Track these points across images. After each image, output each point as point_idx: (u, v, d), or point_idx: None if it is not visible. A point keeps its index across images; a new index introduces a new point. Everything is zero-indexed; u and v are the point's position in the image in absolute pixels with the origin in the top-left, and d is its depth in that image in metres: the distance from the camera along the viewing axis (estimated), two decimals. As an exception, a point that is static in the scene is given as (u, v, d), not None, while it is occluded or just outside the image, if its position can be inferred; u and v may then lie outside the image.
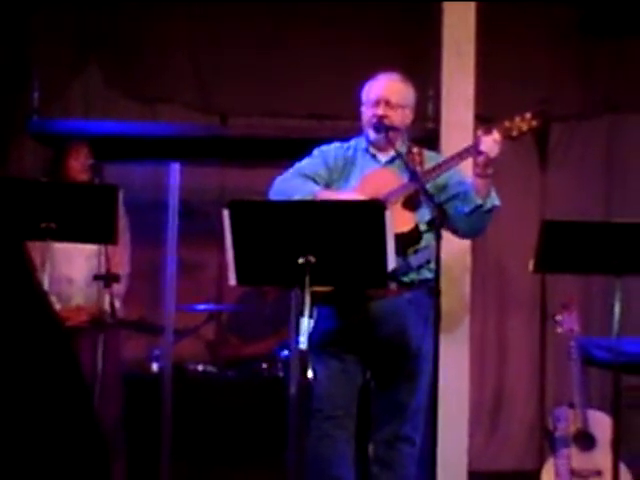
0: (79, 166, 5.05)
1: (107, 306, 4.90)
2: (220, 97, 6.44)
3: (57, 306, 4.90)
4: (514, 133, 3.99)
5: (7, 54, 6.13)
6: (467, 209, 4.04)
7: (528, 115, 3.99)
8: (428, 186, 3.96)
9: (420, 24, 6.08)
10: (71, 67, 6.39)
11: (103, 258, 4.89)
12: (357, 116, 4.32)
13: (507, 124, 3.99)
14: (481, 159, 3.95)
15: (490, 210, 4.06)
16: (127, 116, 6.28)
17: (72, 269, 4.95)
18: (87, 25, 6.35)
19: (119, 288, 5.04)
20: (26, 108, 5.98)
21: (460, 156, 4.03)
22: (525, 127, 4.00)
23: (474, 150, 3.97)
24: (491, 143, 3.91)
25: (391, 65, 4.37)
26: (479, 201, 4.00)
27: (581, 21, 6.41)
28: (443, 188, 4.11)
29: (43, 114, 6.02)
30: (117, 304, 5.04)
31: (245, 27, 6.37)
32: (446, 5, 5.63)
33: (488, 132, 3.94)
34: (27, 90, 6.02)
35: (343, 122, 5.92)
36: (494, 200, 4.07)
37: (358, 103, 4.28)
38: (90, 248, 4.92)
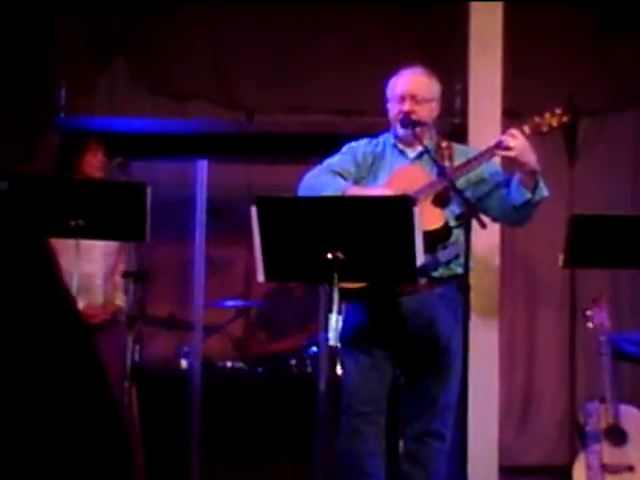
0: (97, 163, 5.03)
1: (132, 303, 4.92)
2: (246, 93, 6.44)
3: (82, 303, 4.92)
4: (544, 129, 4.00)
5: (33, 52, 6.16)
6: (516, 203, 4.03)
7: (558, 111, 3.99)
8: (463, 181, 3.97)
9: (447, 19, 6.07)
10: (96, 64, 6.41)
11: (130, 255, 4.93)
12: (383, 112, 4.31)
13: (537, 120, 3.99)
14: (504, 155, 3.95)
15: (539, 202, 4.06)
16: (153, 113, 6.29)
17: (90, 266, 4.94)
18: (112, 22, 6.36)
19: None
20: (53, 106, 6.00)
21: (487, 153, 4.02)
22: (555, 123, 4.00)
23: (496, 147, 3.97)
24: (507, 134, 3.91)
25: (418, 60, 4.35)
26: (528, 195, 4.00)
27: (606, 15, 6.37)
28: (481, 182, 4.11)
29: (70, 111, 6.03)
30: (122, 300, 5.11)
31: (270, 23, 6.36)
32: (473, 1, 5.61)
33: (517, 130, 3.95)
34: (54, 88, 6.04)
35: (369, 118, 5.91)
36: (542, 192, 4.05)
37: (384, 98, 4.27)
38: (107, 245, 4.93)
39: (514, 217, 4.15)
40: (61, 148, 5.22)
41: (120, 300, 5.03)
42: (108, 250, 4.98)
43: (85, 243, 4.73)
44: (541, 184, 4.05)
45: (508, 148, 3.93)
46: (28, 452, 1.94)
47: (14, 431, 1.93)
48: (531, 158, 3.94)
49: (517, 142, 3.91)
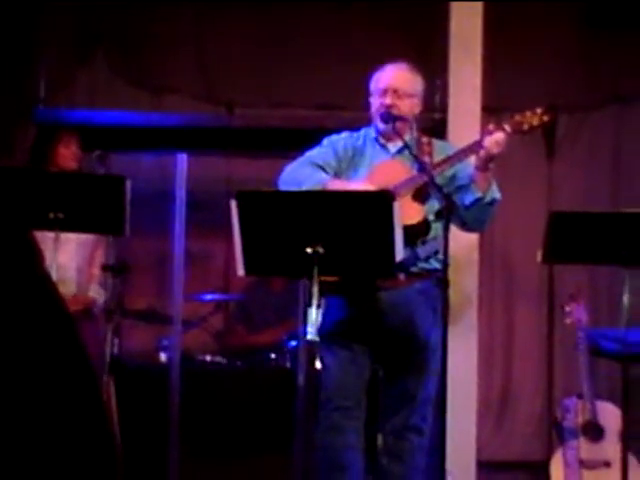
0: (70, 154, 5.02)
1: (110, 296, 4.91)
2: (226, 87, 6.44)
3: None
4: (525, 127, 3.99)
5: (13, 43, 6.12)
6: (467, 201, 4.03)
7: (539, 110, 3.99)
8: (441, 178, 3.96)
9: (428, 14, 6.08)
10: (77, 56, 6.39)
11: (109, 248, 4.93)
12: (364, 106, 4.32)
13: (518, 118, 3.98)
14: (482, 153, 3.94)
15: (490, 203, 4.04)
16: (133, 106, 6.28)
17: (63, 256, 4.91)
18: (93, 14, 6.34)
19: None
20: (32, 97, 5.98)
21: (468, 150, 4.02)
22: (536, 122, 3.99)
23: (477, 144, 3.96)
24: (494, 142, 3.90)
25: (399, 55, 4.36)
26: (479, 194, 3.99)
27: (587, 12, 6.39)
28: (451, 179, 4.10)
29: (49, 103, 6.01)
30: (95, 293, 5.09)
31: (252, 17, 6.35)
32: (454, -4, 5.63)
33: (498, 128, 3.93)
34: (33, 79, 6.02)
35: (350, 112, 5.91)
36: (494, 193, 4.05)
37: (365, 93, 4.27)
38: (81, 236, 4.91)
39: (466, 218, 4.09)
40: (35, 141, 5.20)
41: (94, 292, 5.01)
42: (82, 242, 4.97)
43: (60, 235, 4.71)
44: (494, 186, 4.05)
45: (481, 147, 3.92)
46: (10, 444, 1.93)
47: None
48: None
49: (500, 146, 3.91)
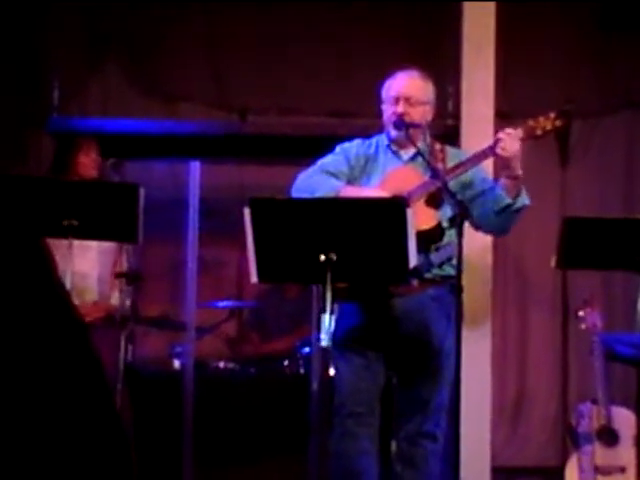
0: (90, 162, 5.03)
1: (128, 304, 4.93)
2: (239, 95, 6.44)
3: (75, 302, 4.88)
4: (538, 132, 3.98)
5: (26, 52, 6.15)
6: (496, 208, 4.03)
7: (552, 115, 3.98)
8: (452, 184, 3.96)
9: (440, 20, 6.09)
10: (89, 65, 6.40)
11: (124, 256, 4.94)
12: (376, 113, 4.32)
13: (531, 123, 3.98)
14: (499, 159, 3.96)
15: (519, 209, 4.05)
16: (146, 114, 6.28)
17: (84, 264, 4.93)
18: (105, 23, 6.35)
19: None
20: (46, 106, 6.00)
21: (482, 155, 4.03)
22: (549, 126, 3.98)
23: (491, 150, 3.97)
24: (504, 143, 3.90)
25: (410, 62, 4.36)
26: (509, 200, 4.00)
27: (600, 16, 6.38)
28: (469, 185, 4.11)
29: (62, 112, 6.03)
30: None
31: (264, 24, 6.36)
32: (466, 2, 5.62)
33: (507, 132, 3.94)
34: (47, 88, 6.04)
35: (362, 120, 5.91)
36: (524, 199, 4.06)
37: (377, 100, 4.28)
38: (102, 244, 4.93)
39: (493, 224, 4.12)
40: (56, 151, 5.23)
41: (116, 299, 5.03)
42: (104, 250, 4.99)
43: (81, 243, 4.73)
44: (523, 192, 4.05)
45: (503, 149, 3.92)
46: (24, 451, 1.94)
47: (11, 430, 1.93)
48: (518, 163, 3.96)
49: (513, 144, 3.91)
